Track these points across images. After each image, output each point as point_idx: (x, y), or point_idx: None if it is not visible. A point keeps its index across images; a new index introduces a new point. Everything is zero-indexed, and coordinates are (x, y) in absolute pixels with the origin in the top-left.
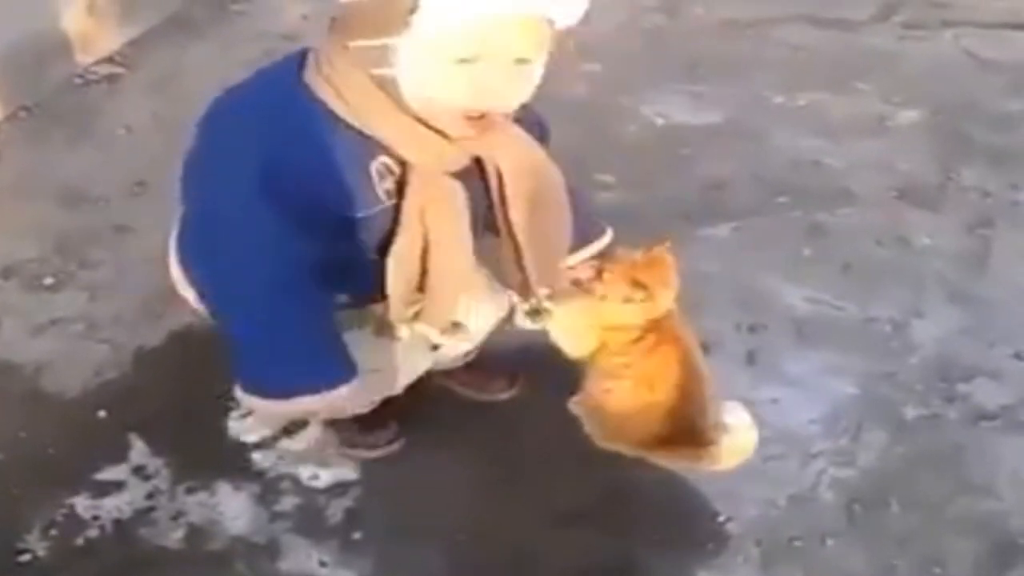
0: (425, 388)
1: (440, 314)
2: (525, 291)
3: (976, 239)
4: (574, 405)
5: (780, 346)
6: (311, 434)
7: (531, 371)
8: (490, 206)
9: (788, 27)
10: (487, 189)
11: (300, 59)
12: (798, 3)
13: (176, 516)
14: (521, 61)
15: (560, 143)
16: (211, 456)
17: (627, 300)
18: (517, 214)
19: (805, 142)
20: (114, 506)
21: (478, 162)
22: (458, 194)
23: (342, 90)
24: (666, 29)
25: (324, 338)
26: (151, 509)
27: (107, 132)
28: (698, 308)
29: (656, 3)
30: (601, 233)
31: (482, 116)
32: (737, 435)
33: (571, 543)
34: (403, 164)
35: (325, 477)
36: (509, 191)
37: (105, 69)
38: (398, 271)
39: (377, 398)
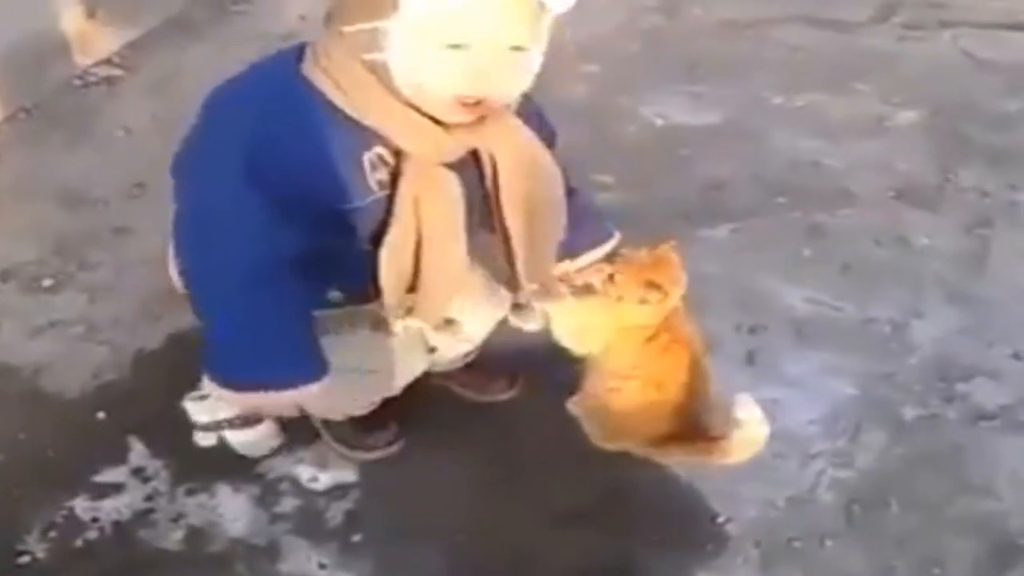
0: (424, 389)
1: (434, 309)
2: (514, 286)
3: (975, 239)
4: (573, 405)
5: (779, 346)
6: (262, 430)
7: (531, 372)
8: (487, 201)
9: (787, 28)
10: (483, 183)
11: (298, 52)
12: (797, 4)
13: (176, 518)
14: (516, 48)
15: (559, 144)
16: (210, 458)
17: (643, 301)
18: (509, 207)
19: (804, 143)
20: (113, 508)
21: (475, 157)
22: (453, 185)
23: (338, 79)
24: (665, 30)
25: (299, 334)
26: (150, 511)
27: (106, 134)
28: (698, 309)
29: (655, 4)
30: (609, 236)
31: (478, 103)
32: (748, 429)
33: (570, 544)
34: (398, 155)
35: (325, 479)
36: (502, 183)
37: (104, 71)
38: (391, 262)
39: (375, 399)
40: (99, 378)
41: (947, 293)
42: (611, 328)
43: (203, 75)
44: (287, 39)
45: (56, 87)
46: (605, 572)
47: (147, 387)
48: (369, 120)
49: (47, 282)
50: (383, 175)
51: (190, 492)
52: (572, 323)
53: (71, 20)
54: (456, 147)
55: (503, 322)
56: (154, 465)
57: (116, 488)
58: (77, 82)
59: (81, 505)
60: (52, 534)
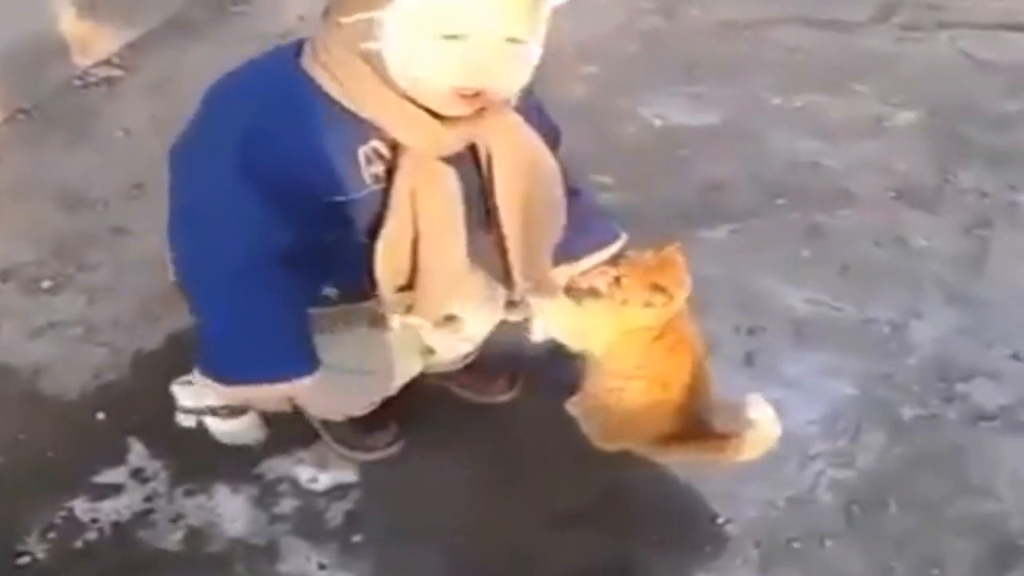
0: (424, 390)
1: (434, 306)
2: (508, 282)
3: (974, 240)
4: (572, 406)
5: (779, 347)
6: (246, 420)
7: (530, 373)
8: (484, 197)
9: (785, 29)
10: (481, 178)
11: (297, 47)
12: (795, 5)
13: (175, 519)
14: (512, 40)
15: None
16: (210, 459)
17: (648, 304)
18: (505, 203)
19: (803, 143)
20: (113, 509)
21: (474, 153)
22: (450, 179)
23: (336, 72)
24: (663, 31)
25: (291, 328)
26: (150, 512)
27: (105, 134)
28: (697, 310)
29: (653, 5)
30: (614, 238)
31: (475, 95)
32: (761, 428)
33: (569, 544)
34: (395, 148)
35: (324, 479)
36: (498, 177)
37: (104, 71)
38: (387, 255)
39: (373, 400)
40: (98, 379)
41: (946, 294)
42: (615, 330)
43: (202, 76)
44: (286, 39)
45: (55, 88)
46: (604, 572)
47: (146, 388)
48: (366, 113)
49: (46, 283)
50: (379, 169)
51: (189, 493)
52: (574, 323)
53: (70, 21)
54: (453, 140)
55: (503, 323)
56: (153, 466)
57: (115, 489)
58: (76, 83)
59: (80, 506)
60: (52, 535)
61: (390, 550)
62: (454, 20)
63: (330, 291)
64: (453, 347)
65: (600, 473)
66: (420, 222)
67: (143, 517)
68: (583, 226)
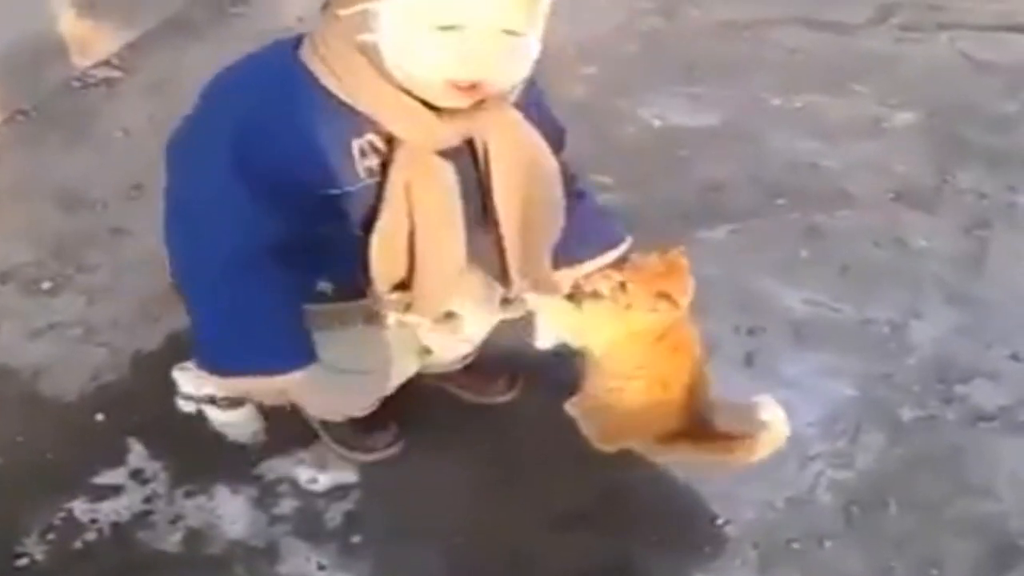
0: (424, 391)
1: (432, 304)
2: (505, 279)
3: (973, 241)
4: (571, 407)
5: (778, 348)
6: (244, 412)
7: (530, 373)
8: (481, 193)
9: (785, 29)
10: (478, 173)
11: (296, 41)
12: (795, 5)
13: (174, 520)
14: (509, 32)
15: None
16: (209, 460)
17: (652, 310)
18: (502, 198)
19: (802, 144)
20: (112, 510)
21: (472, 148)
22: (447, 172)
23: (334, 65)
24: (663, 31)
25: (285, 320)
26: (149, 513)
27: (104, 135)
28: (696, 310)
29: (653, 5)
30: (618, 241)
31: (472, 87)
32: (773, 429)
33: (569, 545)
34: (391, 142)
35: (324, 480)
36: (495, 172)
37: (103, 72)
38: (381, 248)
39: (371, 400)
40: (98, 380)
41: (945, 294)
42: (617, 332)
43: (201, 76)
44: None
45: (54, 88)
46: (604, 573)
47: (146, 389)
48: (363, 106)
49: (46, 284)
50: (373, 162)
51: (189, 494)
52: (573, 324)
53: (69, 21)
54: (449, 134)
55: (503, 323)
56: (153, 467)
57: (115, 490)
58: (75, 83)
59: (80, 507)
60: (51, 536)
61: (390, 551)
62: (450, 11)
63: (325, 286)
64: (452, 348)
65: (600, 474)
66: (416, 216)
67: (142, 518)
68: (589, 228)
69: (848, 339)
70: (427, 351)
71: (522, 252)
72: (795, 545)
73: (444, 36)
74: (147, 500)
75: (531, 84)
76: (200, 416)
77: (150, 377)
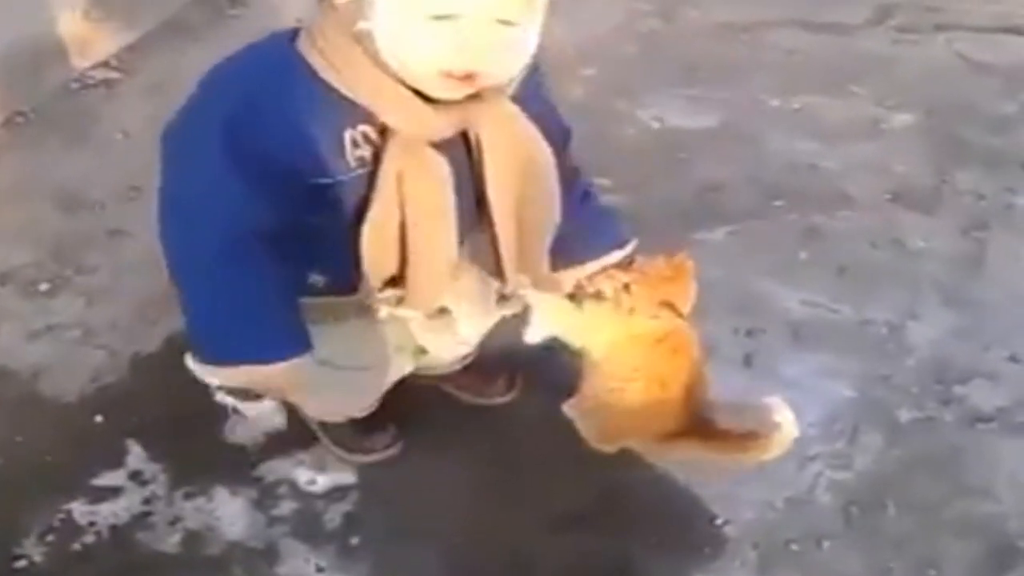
0: (422, 392)
1: (423, 297)
2: (500, 275)
3: (971, 242)
4: (570, 408)
5: (776, 349)
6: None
7: (529, 374)
8: (475, 187)
9: (783, 31)
10: (473, 167)
11: (294, 32)
12: (793, 7)
13: (173, 521)
14: (504, 23)
15: None
16: (208, 461)
17: (655, 316)
18: (495, 192)
19: (801, 145)
20: (111, 512)
21: (467, 142)
22: (440, 164)
23: (331, 56)
24: (661, 33)
25: (276, 309)
26: (148, 514)
27: (103, 137)
28: (695, 311)
29: (651, 7)
30: (624, 242)
31: (466, 77)
32: (785, 429)
33: (568, 546)
34: (384, 133)
35: (323, 481)
36: (488, 165)
37: (102, 74)
38: (372, 239)
39: (367, 398)
40: (97, 381)
41: (944, 295)
42: (617, 334)
43: (200, 78)
44: None
45: (53, 90)
46: (603, 574)
47: (145, 390)
48: (358, 95)
49: (44, 285)
50: (365, 152)
51: (188, 495)
52: (572, 324)
53: (68, 23)
54: (443, 125)
55: (501, 324)
56: (152, 469)
57: (114, 492)
58: (75, 85)
59: (79, 509)
60: (49, 538)
61: (389, 552)
62: (444, 0)
63: (317, 278)
64: (448, 348)
65: (599, 474)
66: (407, 207)
67: (141, 520)
68: (593, 228)
69: (846, 340)
70: (422, 350)
71: (517, 247)
72: (794, 546)
73: (438, 26)
74: (146, 502)
75: (532, 78)
76: (199, 417)
77: (149, 379)
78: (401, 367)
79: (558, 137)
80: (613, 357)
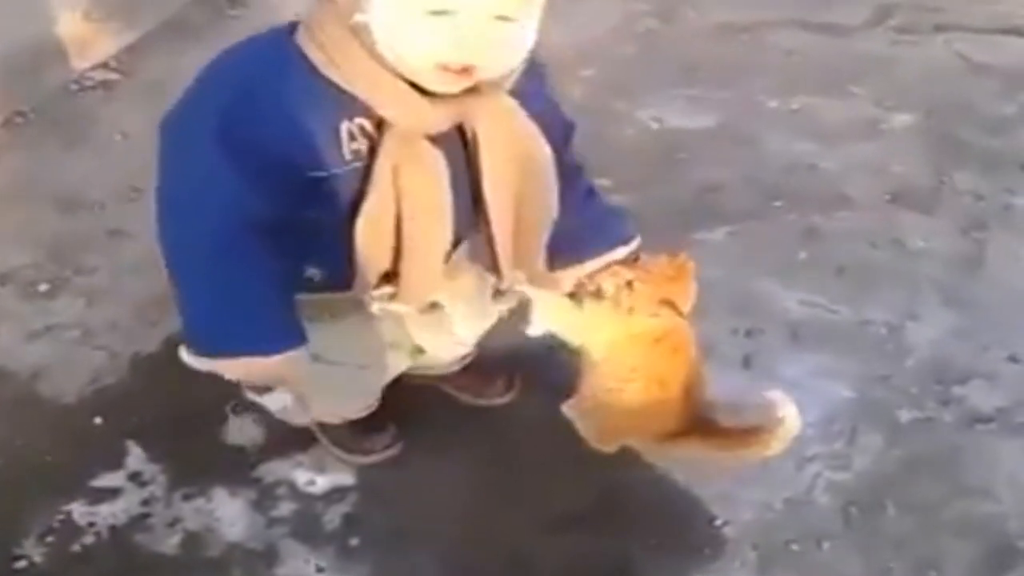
0: (422, 392)
1: (417, 292)
2: (495, 271)
3: (970, 242)
4: (569, 408)
5: (775, 349)
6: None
7: (528, 375)
8: (472, 181)
9: (782, 31)
10: (469, 162)
11: (294, 25)
12: (792, 8)
13: (173, 522)
14: (501, 18)
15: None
16: (208, 462)
17: (654, 316)
18: (490, 185)
19: (800, 146)
20: (110, 513)
21: (464, 137)
22: (435, 158)
23: (329, 49)
24: (660, 33)
25: (271, 302)
26: (147, 516)
27: (103, 137)
28: (694, 312)
29: (650, 8)
30: (630, 237)
31: (463, 71)
32: (788, 423)
33: (567, 547)
34: (380, 127)
35: (322, 482)
36: (485, 159)
37: (101, 74)
38: (368, 232)
39: (363, 398)
40: (96, 383)
41: (943, 296)
42: (616, 333)
43: None
44: None
45: (53, 91)
46: (603, 574)
47: (144, 391)
48: (355, 88)
49: (43, 286)
50: (361, 145)
51: (187, 497)
52: (571, 322)
53: (68, 24)
54: (440, 118)
55: (500, 324)
56: (151, 470)
57: (113, 493)
58: (74, 86)
59: (78, 510)
60: (49, 539)
61: (388, 553)
62: None
63: (313, 272)
64: (445, 348)
65: (598, 475)
66: (403, 201)
67: (141, 521)
68: (596, 226)
69: (845, 340)
70: (419, 350)
71: (513, 242)
72: (794, 546)
73: (436, 20)
74: (145, 503)
75: (535, 75)
76: (199, 418)
77: (149, 380)
78: (397, 365)
79: (560, 134)
80: (612, 357)
